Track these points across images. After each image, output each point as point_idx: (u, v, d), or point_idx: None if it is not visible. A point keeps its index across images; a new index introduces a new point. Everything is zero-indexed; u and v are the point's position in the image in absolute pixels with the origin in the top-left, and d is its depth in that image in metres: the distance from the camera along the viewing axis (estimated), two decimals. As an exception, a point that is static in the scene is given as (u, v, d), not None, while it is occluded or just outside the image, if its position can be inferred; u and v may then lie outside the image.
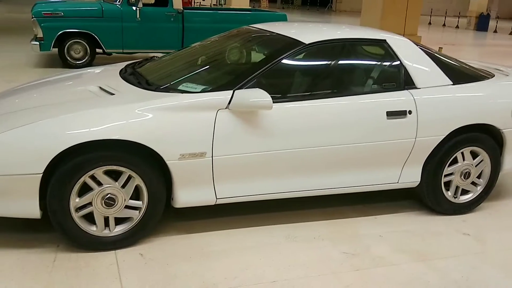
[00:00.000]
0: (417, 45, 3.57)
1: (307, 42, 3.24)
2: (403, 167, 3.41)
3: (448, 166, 3.51)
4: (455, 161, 3.53)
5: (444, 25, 24.88)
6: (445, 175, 3.53)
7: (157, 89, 3.07)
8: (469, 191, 3.66)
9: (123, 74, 3.47)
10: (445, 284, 2.80)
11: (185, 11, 8.67)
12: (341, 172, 3.26)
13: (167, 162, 2.85)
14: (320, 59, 3.38)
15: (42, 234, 3.05)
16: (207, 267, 2.83)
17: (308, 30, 3.53)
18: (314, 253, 3.04)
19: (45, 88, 3.46)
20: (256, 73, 3.06)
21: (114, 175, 2.85)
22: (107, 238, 2.91)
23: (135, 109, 2.84)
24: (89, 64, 8.38)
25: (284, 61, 3.17)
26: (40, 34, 8.04)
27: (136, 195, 2.93)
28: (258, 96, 2.89)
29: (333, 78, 3.38)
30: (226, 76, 3.24)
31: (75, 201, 2.79)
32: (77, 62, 8.33)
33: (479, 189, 3.66)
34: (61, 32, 8.06)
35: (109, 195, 2.83)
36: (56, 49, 8.22)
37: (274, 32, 3.56)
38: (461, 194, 3.64)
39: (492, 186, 3.69)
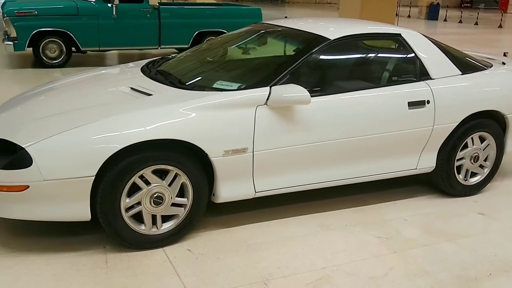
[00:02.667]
0: (427, 38, 3.77)
1: (332, 38, 3.38)
2: (421, 153, 3.61)
3: (460, 151, 3.74)
4: (465, 146, 3.77)
5: (397, 14, 25.60)
6: (457, 160, 3.76)
7: (194, 88, 3.12)
8: (477, 173, 3.91)
9: (149, 74, 3.50)
10: (478, 260, 3.02)
11: (161, 7, 8.62)
12: (368, 161, 3.43)
13: (212, 159, 2.93)
14: (345, 54, 3.53)
15: (83, 236, 3.06)
16: (257, 258, 2.93)
17: (327, 26, 3.66)
18: (351, 240, 3.19)
19: (72, 90, 3.44)
20: (288, 69, 3.17)
21: (160, 174, 2.89)
22: (155, 236, 2.96)
23: (179, 108, 2.89)
24: (65, 63, 8.22)
25: (313, 56, 3.29)
26: (14, 34, 7.83)
27: (180, 192, 2.99)
28: (296, 91, 3.01)
29: (358, 71, 3.54)
30: (258, 73, 3.33)
31: (125, 201, 2.82)
32: (53, 62, 8.18)
33: (486, 171, 3.92)
34: (35, 31, 7.87)
35: (157, 194, 2.88)
36: (31, 48, 8.03)
37: (295, 28, 3.67)
38: (470, 177, 3.89)
39: (497, 168, 3.96)
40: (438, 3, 24.28)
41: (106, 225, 2.82)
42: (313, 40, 3.38)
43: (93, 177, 2.69)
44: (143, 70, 3.64)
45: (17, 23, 7.77)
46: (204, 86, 3.15)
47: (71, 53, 8.31)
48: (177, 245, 3.02)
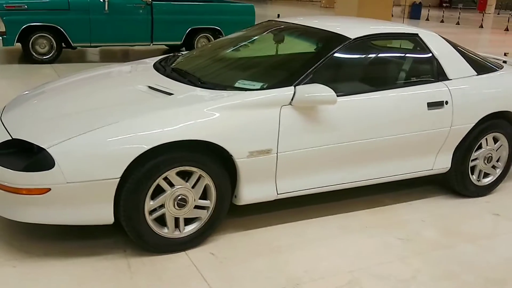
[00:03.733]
0: (443, 38, 3.76)
1: (352, 37, 3.33)
2: (437, 154, 3.60)
3: (474, 151, 3.75)
4: (479, 146, 3.77)
5: (379, 13, 25.79)
6: (471, 160, 3.76)
7: (216, 87, 3.04)
8: (489, 174, 3.92)
9: (164, 72, 3.40)
10: (503, 262, 3.02)
11: (154, 2, 8.47)
12: (388, 161, 3.40)
13: (236, 160, 2.86)
14: (364, 54, 3.49)
15: (101, 239, 2.96)
16: (282, 261, 2.88)
17: (345, 25, 3.61)
18: (373, 242, 3.16)
19: (86, 89, 3.32)
20: (311, 69, 3.12)
21: (183, 176, 2.81)
22: (178, 239, 2.88)
23: (204, 108, 2.82)
24: (55, 59, 8.02)
25: (334, 56, 3.24)
26: (2, 28, 7.59)
27: (203, 194, 2.91)
28: (322, 91, 2.96)
29: (378, 71, 3.51)
30: (281, 72, 3.27)
31: (149, 204, 2.73)
32: (43, 58, 7.97)
33: (498, 171, 3.93)
34: (25, 26, 7.65)
35: (180, 196, 2.80)
36: (19, 43, 7.81)
37: (312, 27, 3.61)
38: (483, 177, 3.90)
39: (509, 169, 3.98)
40: (420, 3, 24.52)
41: (129, 228, 2.73)
42: (334, 39, 3.33)
43: (118, 179, 2.60)
44: (156, 68, 3.55)
45: (6, 17, 7.54)
46: (226, 86, 3.08)
47: (62, 49, 8.10)
48: (199, 249, 2.94)
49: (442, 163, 3.65)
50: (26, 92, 3.56)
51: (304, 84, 3.04)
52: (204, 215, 2.93)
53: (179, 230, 2.88)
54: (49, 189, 2.55)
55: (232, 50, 3.78)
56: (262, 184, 3.02)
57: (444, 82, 3.54)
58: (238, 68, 3.38)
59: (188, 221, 2.92)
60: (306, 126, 3.02)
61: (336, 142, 3.13)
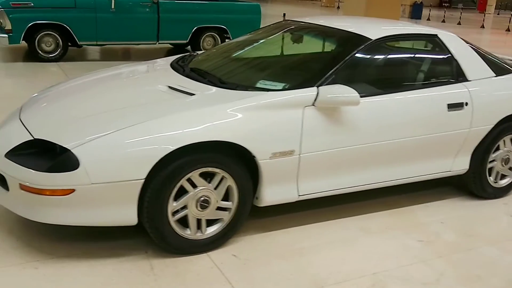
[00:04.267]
0: (462, 39, 3.74)
1: (373, 38, 3.31)
2: (456, 156, 3.58)
3: (492, 153, 3.73)
4: (497, 148, 3.75)
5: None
6: (489, 162, 3.75)
7: (237, 88, 3.02)
8: (506, 175, 3.91)
9: (183, 72, 3.37)
10: (525, 265, 3.01)
11: (160, 1, 8.43)
12: (408, 163, 3.38)
13: (259, 161, 2.83)
14: (385, 54, 3.48)
15: (121, 240, 2.93)
16: (305, 264, 2.85)
17: (364, 26, 3.58)
18: (394, 243, 3.14)
19: (106, 89, 3.28)
20: (333, 69, 3.09)
21: (205, 177, 2.79)
22: (200, 241, 2.85)
23: (227, 109, 2.79)
24: (61, 57, 7.98)
25: (355, 56, 3.22)
26: (9, 26, 7.55)
27: (225, 196, 2.89)
28: (345, 92, 2.93)
29: (399, 72, 3.50)
30: (302, 72, 3.25)
31: (172, 205, 2.71)
32: (49, 56, 7.92)
33: (515, 173, 3.92)
34: (31, 23, 7.60)
35: (203, 197, 2.78)
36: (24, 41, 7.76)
37: (331, 27, 3.59)
38: (500, 179, 3.88)
39: (525, 170, 3.96)
40: (421, 2, 24.52)
41: (152, 229, 2.71)
42: (355, 40, 3.31)
43: (143, 180, 2.57)
44: (174, 67, 3.52)
45: (12, 15, 7.49)
46: (247, 86, 3.05)
47: (68, 47, 8.06)
48: (221, 250, 2.92)
49: (460, 164, 3.64)
50: (42, 91, 3.53)
51: (326, 84, 3.02)
52: (226, 216, 2.90)
53: (201, 232, 2.85)
54: (74, 190, 2.52)
55: (250, 50, 3.76)
56: (283, 186, 3.00)
57: (463, 83, 3.52)
58: (258, 68, 3.35)
59: (210, 223, 2.89)
60: (328, 127, 3.00)
61: (358, 143, 3.11)
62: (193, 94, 2.96)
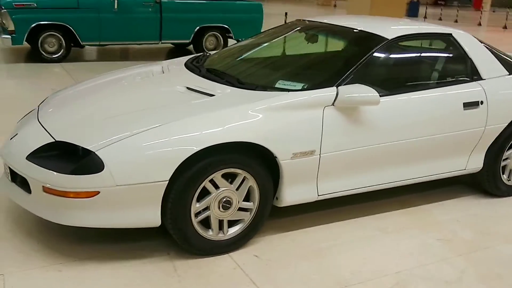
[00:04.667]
0: (475, 38, 3.76)
1: (390, 38, 3.31)
2: (470, 154, 3.60)
3: (506, 151, 3.75)
4: (510, 146, 3.77)
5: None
6: (503, 160, 3.77)
7: (257, 88, 3.02)
8: (519, 174, 3.93)
9: (199, 72, 3.37)
10: (544, 262, 3.03)
11: (162, 1, 8.41)
12: (425, 162, 3.40)
13: (281, 162, 2.83)
14: (401, 54, 3.49)
15: (141, 242, 2.93)
16: (327, 263, 2.86)
17: (379, 25, 3.59)
18: (413, 242, 3.15)
19: (123, 90, 3.28)
20: (352, 69, 3.10)
21: (227, 178, 2.79)
22: (222, 241, 2.85)
23: (248, 110, 2.79)
24: (64, 58, 7.95)
25: (372, 56, 3.23)
26: (12, 27, 7.52)
27: (246, 196, 2.89)
28: (365, 91, 2.94)
29: (416, 71, 3.51)
30: (320, 72, 3.25)
31: (195, 206, 2.71)
32: (52, 56, 7.88)
33: (528, 171, 3.94)
34: (34, 24, 7.57)
35: (225, 198, 2.78)
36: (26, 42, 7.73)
37: (346, 27, 3.59)
38: (513, 177, 3.90)
39: (538, 168, 3.98)
40: (418, 0, 24.57)
41: (175, 231, 2.70)
42: (372, 40, 3.31)
43: (167, 182, 2.57)
44: (189, 68, 3.51)
45: (15, 16, 7.46)
46: (266, 86, 3.05)
47: (71, 48, 8.03)
48: (242, 251, 2.92)
49: (475, 163, 3.65)
50: (57, 92, 3.51)
51: (345, 84, 3.02)
52: (247, 217, 2.90)
53: (223, 233, 2.85)
54: (98, 192, 2.51)
55: (265, 50, 3.76)
56: (303, 186, 3.00)
57: (478, 82, 3.54)
58: (274, 68, 3.35)
59: (231, 223, 2.89)
60: (347, 127, 3.00)
61: (376, 142, 3.11)
62: (213, 95, 2.96)
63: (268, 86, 3.05)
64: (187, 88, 3.10)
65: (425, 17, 23.72)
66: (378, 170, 3.23)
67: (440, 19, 23.08)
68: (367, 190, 3.29)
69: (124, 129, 2.64)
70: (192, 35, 8.79)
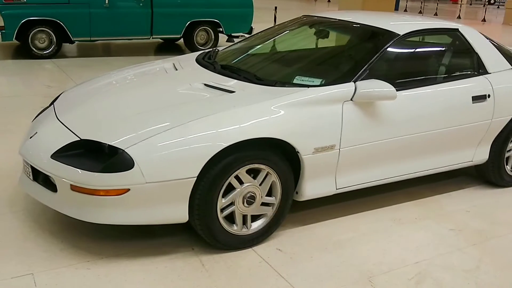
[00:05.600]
0: (480, 33, 3.85)
1: (401, 33, 3.38)
2: (477, 146, 3.70)
3: (510, 142, 3.86)
4: (514, 138, 3.89)
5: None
6: (507, 151, 3.88)
7: (275, 84, 3.06)
8: (521, 164, 4.05)
9: (214, 69, 3.39)
10: (555, 249, 3.14)
11: (153, -4, 8.35)
12: (435, 154, 3.48)
13: (303, 157, 2.88)
14: (411, 49, 3.56)
15: (165, 238, 2.95)
16: (348, 255, 2.92)
17: (389, 21, 3.64)
18: (428, 233, 3.24)
19: (140, 87, 3.27)
20: (367, 64, 3.16)
21: (249, 173, 2.82)
22: (246, 236, 2.89)
23: (271, 106, 2.83)
24: (55, 54, 7.85)
25: (385, 51, 3.29)
26: (1, 23, 7.39)
27: (268, 191, 2.93)
28: (382, 86, 3.00)
29: (426, 66, 3.59)
30: (337, 68, 3.31)
31: (221, 202, 2.74)
32: (43, 53, 7.78)
33: (529, 161, 4.07)
34: (24, 20, 7.45)
35: (249, 193, 2.82)
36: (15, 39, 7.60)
37: (356, 23, 3.64)
38: (516, 168, 4.03)
39: (539, 158, 4.11)
40: (398, -6, 24.81)
41: (202, 226, 2.73)
42: (384, 35, 3.38)
43: (195, 178, 2.60)
44: (202, 64, 3.53)
45: (5, 12, 7.33)
46: (284, 82, 3.09)
47: (62, 43, 7.93)
48: (264, 245, 2.97)
49: (481, 154, 3.76)
50: (72, 89, 3.50)
51: (361, 80, 3.08)
52: (270, 211, 2.95)
53: (247, 227, 2.89)
54: (128, 190, 2.53)
55: (276, 45, 3.79)
56: (323, 180, 3.06)
57: (485, 76, 3.64)
58: (289, 63, 3.39)
59: (254, 218, 2.93)
60: (364, 121, 3.07)
61: (392, 136, 3.19)
62: (233, 91, 2.99)
63: (287, 82, 3.09)
64: (205, 85, 3.12)
65: (405, 10, 23.99)
66: (392, 163, 3.30)
67: (421, 12, 23.38)
68: (382, 183, 3.36)
69: (150, 127, 2.65)
70: (183, 30, 8.76)
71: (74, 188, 2.58)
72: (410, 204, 3.63)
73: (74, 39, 7.95)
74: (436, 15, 22.50)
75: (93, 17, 7.92)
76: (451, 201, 3.73)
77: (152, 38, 8.69)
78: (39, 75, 6.99)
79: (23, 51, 7.79)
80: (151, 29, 8.51)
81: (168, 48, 9.52)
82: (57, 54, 7.92)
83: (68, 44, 8.29)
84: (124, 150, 2.54)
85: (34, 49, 7.72)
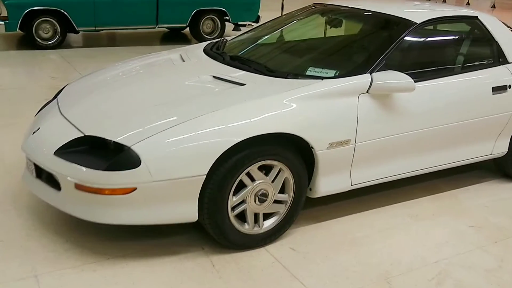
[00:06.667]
0: (500, 20, 3.69)
1: (418, 22, 3.23)
2: (496, 139, 3.56)
3: (529, 135, 3.72)
4: (533, 130, 3.73)
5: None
6: (527, 144, 3.74)
7: (287, 76, 2.92)
8: (539, 157, 3.90)
9: (223, 60, 3.25)
10: None
11: (159, -16, 8.19)
12: (454, 147, 3.35)
13: (317, 152, 2.75)
14: (430, 38, 3.41)
15: (172, 237, 2.84)
16: (365, 255, 2.81)
17: (404, 8, 3.48)
18: (446, 230, 3.11)
19: (146, 80, 3.13)
20: (383, 55, 3.01)
21: (260, 170, 2.70)
22: (258, 235, 2.78)
23: (283, 99, 2.70)
24: (60, 44, 7.73)
25: (403, 41, 3.14)
26: (4, 13, 7.26)
27: (281, 188, 2.81)
28: (399, 78, 2.86)
29: (444, 56, 3.43)
30: (351, 58, 3.17)
31: (232, 200, 2.62)
32: (48, 43, 7.64)
33: (549, 154, 3.91)
34: (28, 10, 7.32)
35: (261, 191, 2.70)
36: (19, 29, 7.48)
37: (370, 11, 3.49)
38: (535, 161, 3.88)
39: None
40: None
41: (212, 226, 2.62)
42: (401, 24, 3.22)
43: (205, 176, 2.47)
44: (211, 55, 3.39)
45: (8, 1, 7.19)
46: (297, 74, 2.96)
47: (66, 34, 7.80)
48: (277, 244, 2.85)
49: (500, 147, 3.61)
50: (75, 83, 3.38)
51: (377, 71, 2.94)
52: (282, 209, 2.83)
53: (259, 226, 2.77)
54: (135, 188, 2.41)
55: (287, 35, 3.65)
56: (337, 176, 2.93)
57: (505, 65, 3.48)
58: (301, 54, 3.25)
59: (266, 216, 2.81)
60: (381, 114, 2.93)
61: (409, 129, 3.05)
62: (243, 84, 2.86)
63: (299, 74, 2.96)
64: (214, 77, 2.99)
65: (413, -3, 23.59)
66: (410, 158, 3.17)
67: (429, -2, 23.00)
68: (398, 178, 3.23)
69: (157, 122, 2.53)
70: (189, 19, 8.60)
71: (78, 186, 2.47)
72: (427, 199, 3.51)
73: (79, 29, 7.81)
74: (445, 1, 22.12)
75: (97, 6, 7.77)
76: (469, 196, 3.59)
77: (158, 27, 8.53)
78: (43, 66, 6.87)
79: (28, 42, 7.67)
80: (157, 18, 8.35)
81: (174, 38, 9.37)
82: (61, 44, 7.79)
83: (73, 34, 8.15)
84: (130, 147, 2.42)
85: (39, 39, 7.58)
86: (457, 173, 3.88)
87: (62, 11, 7.55)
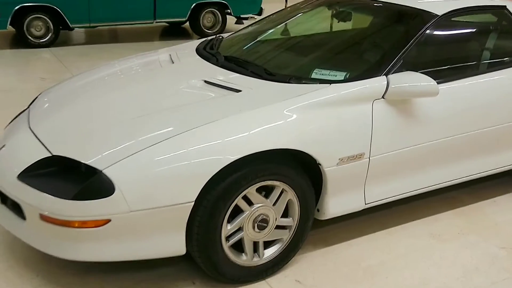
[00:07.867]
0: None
1: (440, 13, 2.81)
2: (528, 145, 3.14)
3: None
4: None
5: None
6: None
7: (289, 80, 2.52)
8: None
9: (217, 61, 2.85)
10: None
11: (156, -24, 7.78)
12: (479, 157, 2.94)
13: (325, 169, 2.36)
14: (454, 32, 2.99)
15: (159, 269, 2.46)
16: (382, 286, 2.42)
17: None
18: (474, 253, 2.72)
19: (128, 87, 2.74)
20: (400, 53, 2.60)
21: (260, 191, 2.31)
22: (258, 267, 2.39)
23: (284, 109, 2.30)
24: (53, 42, 7.35)
25: (422, 37, 2.72)
26: (-6, 10, 6.88)
27: (284, 212, 2.42)
28: (420, 81, 2.46)
29: (471, 52, 3.02)
30: (363, 58, 2.76)
31: (226, 228, 2.23)
32: (40, 41, 7.26)
33: None
34: (18, 6, 6.94)
35: (261, 216, 2.31)
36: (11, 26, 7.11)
37: (385, 2, 3.07)
38: None
39: None
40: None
41: (203, 259, 2.23)
42: (419, 17, 2.81)
43: (193, 203, 2.09)
44: (203, 56, 3.00)
45: (-3, -2, 6.84)
46: (300, 77, 2.55)
47: (59, 31, 7.42)
48: (280, 275, 2.47)
49: (532, 154, 3.19)
50: (50, 90, 2.99)
51: (394, 72, 2.53)
52: (286, 235, 2.44)
53: (258, 256, 2.39)
54: (109, 220, 2.03)
55: (290, 31, 3.23)
56: (349, 194, 2.54)
57: (538, 62, 3.06)
58: (306, 53, 2.85)
59: (267, 244, 2.43)
60: (400, 123, 2.53)
61: (432, 139, 2.65)
62: (239, 90, 2.46)
63: (304, 77, 2.55)
64: (205, 82, 2.60)
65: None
66: (432, 170, 2.77)
67: None
68: (418, 193, 2.83)
69: (135, 139, 2.14)
70: (189, 13, 8.19)
71: (44, 217, 2.09)
72: (450, 214, 3.10)
73: (73, 25, 7.43)
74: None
75: (91, 1, 7.38)
76: (497, 210, 3.19)
77: (156, 22, 8.13)
78: (35, 65, 6.52)
79: (20, 40, 7.30)
80: (154, 12, 7.95)
81: (173, 33, 8.96)
82: (55, 42, 7.41)
83: (67, 31, 7.77)
84: (101, 171, 2.03)
85: (30, 37, 7.20)
86: (480, 182, 3.46)
87: (54, 7, 7.16)
